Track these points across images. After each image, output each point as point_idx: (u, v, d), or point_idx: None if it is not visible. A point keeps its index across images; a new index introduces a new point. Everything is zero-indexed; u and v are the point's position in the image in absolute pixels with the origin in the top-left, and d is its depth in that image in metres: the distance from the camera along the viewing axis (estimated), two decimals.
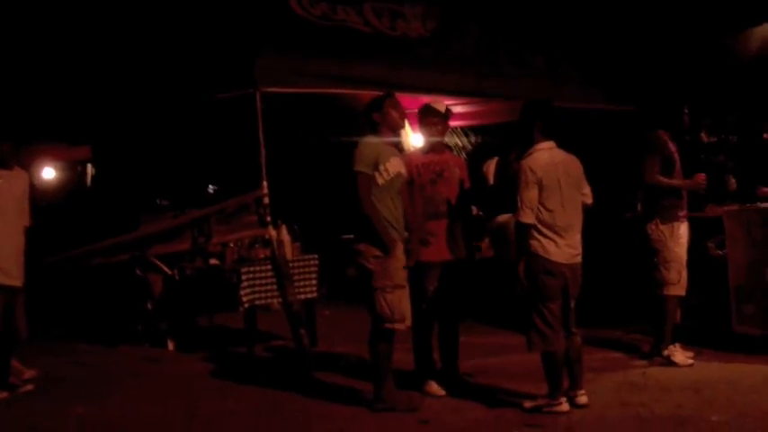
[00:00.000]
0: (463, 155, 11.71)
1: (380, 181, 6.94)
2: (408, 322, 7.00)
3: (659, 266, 8.18)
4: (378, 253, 6.85)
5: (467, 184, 7.86)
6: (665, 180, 8.16)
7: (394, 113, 7.18)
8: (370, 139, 7.08)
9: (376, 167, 6.93)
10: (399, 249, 6.96)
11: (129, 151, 13.40)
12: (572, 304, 6.77)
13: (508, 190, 9.59)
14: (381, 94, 7.40)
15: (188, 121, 11.40)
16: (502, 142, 11.43)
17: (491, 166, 10.32)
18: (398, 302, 6.87)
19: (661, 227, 8.18)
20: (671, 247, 8.15)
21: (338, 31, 9.29)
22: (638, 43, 10.63)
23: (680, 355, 8.06)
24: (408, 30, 9.78)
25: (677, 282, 8.15)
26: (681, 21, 10.79)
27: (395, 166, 7.04)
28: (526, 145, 6.89)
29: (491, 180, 10.12)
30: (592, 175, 7.06)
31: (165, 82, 10.17)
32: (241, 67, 8.60)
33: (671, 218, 8.17)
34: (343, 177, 7.07)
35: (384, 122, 7.13)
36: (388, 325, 6.86)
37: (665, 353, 8.09)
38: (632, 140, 8.72)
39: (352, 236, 7.18)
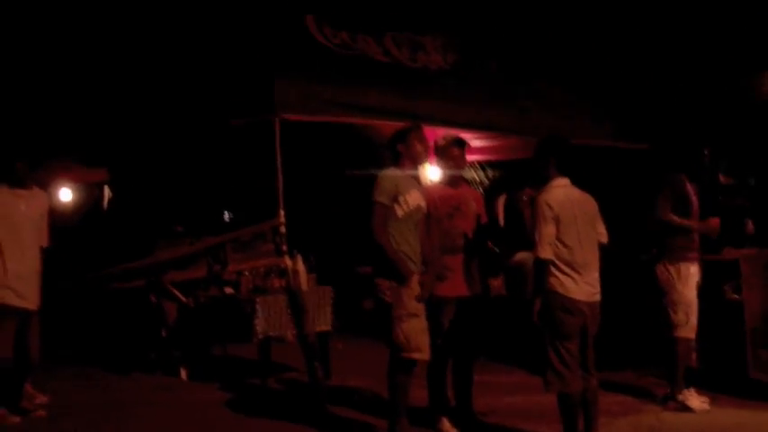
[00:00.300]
0: (480, 189, 11.71)
1: (400, 213, 6.92)
2: (426, 356, 6.95)
3: (667, 308, 8.15)
4: (393, 283, 6.83)
5: (483, 219, 7.85)
6: (676, 219, 8.13)
7: (418, 146, 7.16)
8: (391, 171, 7.07)
9: (395, 199, 6.91)
10: (414, 280, 6.92)
11: (145, 175, 13.43)
12: (590, 344, 6.72)
13: (518, 228, 9.67)
14: (406, 124, 7.41)
15: (205, 147, 11.41)
16: (508, 179, 11.43)
17: (500, 205, 10.34)
18: (414, 331, 6.82)
19: (669, 267, 8.15)
20: (679, 289, 8.11)
21: (358, 60, 9.34)
22: (655, 82, 10.62)
23: (695, 399, 7.99)
24: (428, 62, 9.82)
25: (685, 324, 8.09)
26: (698, 61, 10.78)
27: (415, 198, 7.02)
28: (541, 181, 6.87)
29: (501, 219, 10.14)
30: (607, 215, 7.04)
31: (184, 107, 10.20)
32: (260, 94, 8.63)
33: (679, 258, 8.14)
34: (361, 209, 7.06)
35: (407, 154, 7.12)
36: (404, 354, 6.80)
37: (680, 397, 8.03)
38: (647, 180, 8.68)
39: (369, 268, 7.16)
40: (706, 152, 8.41)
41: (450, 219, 7.53)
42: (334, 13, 9.41)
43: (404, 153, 7.10)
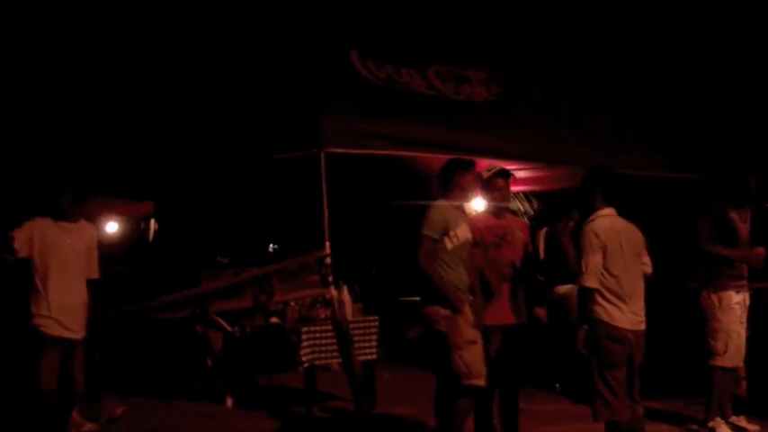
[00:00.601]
0: (525, 220, 11.73)
1: (450, 246, 7.00)
2: (484, 381, 6.98)
3: (707, 336, 8.14)
4: (447, 313, 6.88)
5: (530, 248, 7.89)
6: (715, 248, 8.14)
7: (472, 180, 7.32)
8: (441, 204, 7.15)
9: (446, 233, 6.99)
10: (467, 308, 6.99)
11: (191, 208, 13.52)
12: (636, 372, 6.71)
13: (559, 260, 9.68)
14: (460, 157, 7.57)
15: (251, 180, 11.49)
16: (550, 211, 11.43)
17: (540, 239, 10.38)
18: (474, 358, 6.88)
19: (712, 295, 8.17)
20: (719, 318, 8.10)
21: (402, 93, 9.37)
22: (704, 110, 10.57)
23: (724, 428, 7.97)
24: (473, 94, 9.82)
25: (723, 353, 8.08)
26: (747, 87, 10.73)
27: (464, 231, 7.12)
28: (587, 211, 6.91)
29: (541, 252, 10.18)
30: (655, 244, 7.05)
31: (230, 141, 10.27)
32: (305, 128, 8.69)
33: (721, 287, 8.14)
34: (406, 239, 7.12)
35: (459, 186, 7.24)
36: (466, 381, 6.85)
37: (710, 424, 8.04)
38: (695, 209, 8.68)
39: (416, 298, 7.20)
40: (751, 180, 8.37)
41: (496, 248, 7.58)
42: (379, 48, 9.46)
43: (459, 185, 7.19)
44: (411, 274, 7.13)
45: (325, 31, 9.27)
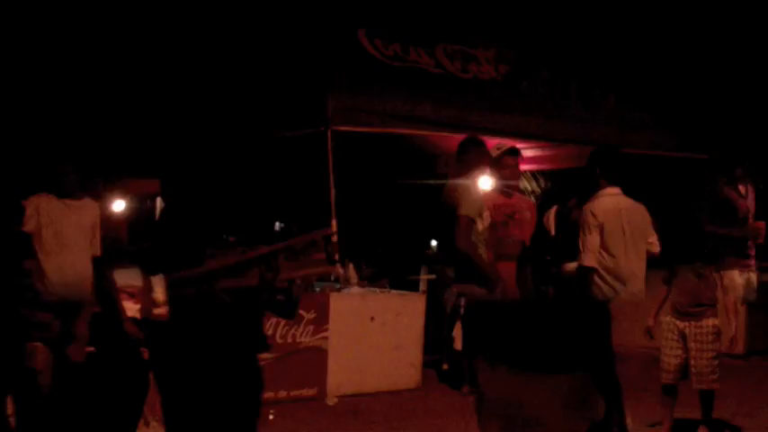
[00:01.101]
0: (532, 199, 11.71)
1: (480, 227, 7.02)
2: None
3: None
4: (482, 291, 6.91)
5: (536, 227, 7.89)
6: (710, 227, 8.09)
7: (485, 157, 7.36)
8: (471, 183, 7.16)
9: (480, 215, 7.00)
10: (501, 285, 7.02)
11: (198, 186, 13.52)
12: None
13: (569, 239, 9.66)
14: (472, 135, 7.60)
15: (258, 158, 11.49)
16: (560, 190, 11.41)
17: (550, 217, 10.37)
18: None
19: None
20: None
21: (410, 71, 9.36)
22: (714, 90, 10.54)
23: None
24: (480, 73, 9.80)
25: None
26: (756, 68, 10.72)
27: (489, 213, 7.11)
28: (592, 191, 6.87)
29: (552, 230, 10.17)
30: (664, 224, 7.02)
31: (237, 119, 10.27)
32: (313, 106, 8.68)
33: (725, 266, 8.11)
34: (439, 219, 7.10)
35: (480, 163, 7.25)
36: None
37: None
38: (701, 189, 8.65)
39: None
40: (744, 156, 8.33)
41: (504, 227, 7.60)
42: (386, 26, 9.44)
43: (477, 162, 7.20)
44: (447, 253, 7.13)
45: (334, 9, 9.25)
